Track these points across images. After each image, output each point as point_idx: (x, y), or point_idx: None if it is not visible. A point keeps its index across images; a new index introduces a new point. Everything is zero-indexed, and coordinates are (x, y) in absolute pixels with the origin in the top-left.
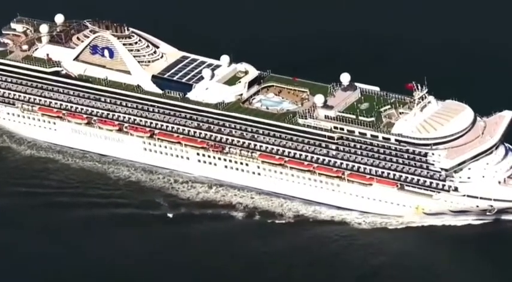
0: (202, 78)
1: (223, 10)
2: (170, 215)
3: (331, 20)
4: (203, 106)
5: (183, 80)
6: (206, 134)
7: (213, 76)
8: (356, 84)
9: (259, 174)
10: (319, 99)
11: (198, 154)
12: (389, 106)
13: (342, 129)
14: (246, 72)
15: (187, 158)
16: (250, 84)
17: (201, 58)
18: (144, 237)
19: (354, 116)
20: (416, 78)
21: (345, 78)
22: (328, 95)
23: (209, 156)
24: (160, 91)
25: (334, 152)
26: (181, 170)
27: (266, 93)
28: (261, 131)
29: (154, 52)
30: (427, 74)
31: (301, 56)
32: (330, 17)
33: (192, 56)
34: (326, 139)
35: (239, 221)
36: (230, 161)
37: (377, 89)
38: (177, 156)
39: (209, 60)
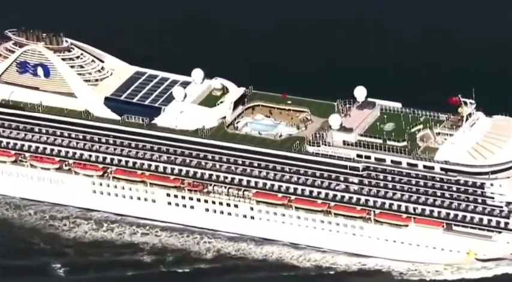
0: (170, 99)
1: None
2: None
3: (322, 13)
4: (177, 134)
5: (146, 102)
6: (181, 170)
7: (185, 96)
8: (372, 100)
9: (252, 217)
10: (335, 120)
11: (168, 195)
12: (421, 126)
13: (369, 157)
14: (224, 90)
15: (153, 201)
16: (235, 104)
17: (161, 73)
18: None
19: (380, 140)
20: (444, 89)
21: (360, 93)
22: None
23: (184, 198)
24: (117, 117)
25: (357, 187)
26: (144, 216)
27: (252, 114)
28: (256, 164)
29: (102, 68)
30: (456, 82)
31: (290, 66)
32: (320, 10)
33: (149, 72)
34: (347, 171)
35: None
36: (213, 202)
37: (398, 105)
38: (139, 198)
39: (173, 76)
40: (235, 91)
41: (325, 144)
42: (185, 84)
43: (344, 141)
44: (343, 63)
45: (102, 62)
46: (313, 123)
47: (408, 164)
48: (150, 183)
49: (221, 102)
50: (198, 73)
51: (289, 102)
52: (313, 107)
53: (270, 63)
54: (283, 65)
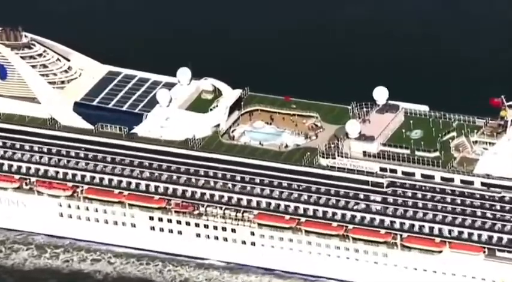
0: (152, 103)
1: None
2: None
3: (330, 7)
4: (162, 145)
5: (124, 108)
6: (167, 188)
7: (170, 100)
8: (394, 102)
9: (253, 244)
10: (353, 127)
11: (151, 219)
12: (455, 133)
13: (394, 171)
14: (216, 93)
15: (133, 226)
16: (230, 110)
17: (139, 73)
18: None
19: (408, 151)
20: (480, 89)
21: (381, 94)
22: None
23: (170, 221)
24: (89, 126)
25: (380, 206)
26: (122, 244)
27: (251, 121)
28: (258, 180)
29: (69, 68)
30: (494, 82)
31: (291, 64)
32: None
33: (125, 71)
34: (368, 187)
35: None
36: (206, 226)
37: (425, 108)
38: (116, 223)
39: (154, 77)
40: (230, 94)
41: (342, 156)
42: (169, 86)
43: (364, 152)
44: (356, 61)
45: (68, 60)
46: (324, 131)
47: (442, 178)
48: (130, 205)
49: (215, 106)
50: (184, 73)
51: (293, 106)
52: (323, 112)
53: (268, 61)
54: (284, 62)
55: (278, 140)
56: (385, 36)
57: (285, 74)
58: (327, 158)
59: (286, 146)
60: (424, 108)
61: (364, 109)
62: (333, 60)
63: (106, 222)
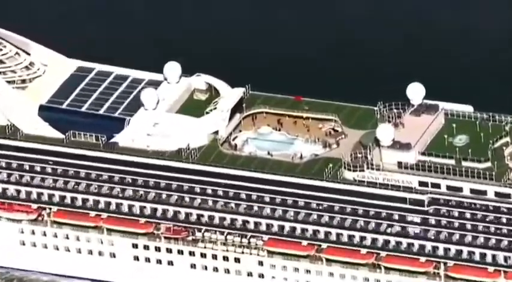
0: (135, 106)
1: None
2: None
3: None
4: (149, 157)
5: (101, 112)
6: (155, 209)
7: (158, 102)
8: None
9: (262, 276)
10: (385, 132)
11: (135, 246)
12: (508, 138)
13: (437, 185)
14: (211, 92)
15: (113, 255)
16: (232, 112)
17: (115, 69)
18: None
19: (452, 161)
20: None
21: (416, 92)
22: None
23: (159, 250)
24: (58, 134)
25: (419, 229)
26: (98, 278)
27: (255, 126)
28: (268, 198)
29: (31, 64)
30: None
31: (300, 56)
32: None
33: (98, 67)
34: (405, 206)
35: None
36: (203, 255)
37: (469, 108)
38: (91, 252)
39: (134, 73)
40: (230, 93)
41: (372, 168)
42: (154, 85)
43: (399, 162)
44: (382, 53)
45: (29, 54)
46: (346, 137)
47: (496, 193)
48: (109, 230)
49: (212, 109)
50: (172, 68)
51: (306, 107)
52: (343, 114)
53: (273, 54)
54: (292, 56)
55: (290, 149)
56: (417, 24)
57: (294, 70)
58: (353, 170)
59: (301, 157)
60: (467, 108)
61: (395, 110)
62: (352, 51)
63: (79, 251)
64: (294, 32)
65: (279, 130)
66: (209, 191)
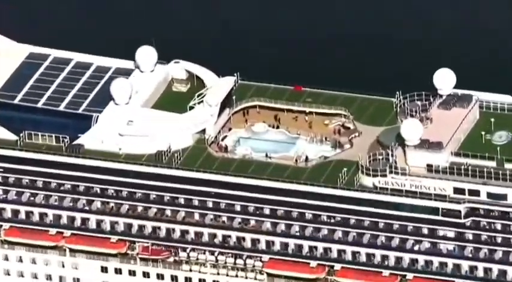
0: (104, 100)
1: None
2: None
3: None
4: (122, 162)
5: (62, 108)
6: (130, 225)
7: (131, 95)
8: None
9: None
10: (412, 128)
11: (104, 270)
12: None
13: (476, 193)
14: (193, 82)
15: (77, 281)
16: (221, 107)
17: (75, 56)
18: None
19: (493, 163)
20: None
21: (446, 80)
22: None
23: (133, 274)
24: (11, 135)
25: (454, 246)
26: None
27: (246, 123)
28: (267, 210)
29: None
30: None
31: (300, 39)
32: None
33: (54, 53)
34: (437, 218)
35: None
36: (188, 280)
37: (509, 99)
38: (50, 278)
39: (98, 60)
40: (218, 83)
41: (395, 173)
42: (123, 74)
43: (429, 165)
44: (399, 34)
45: None
46: (361, 135)
47: None
48: (72, 250)
49: (198, 103)
50: (146, 54)
51: (308, 99)
52: (355, 107)
53: (265, 34)
54: (288, 36)
55: (292, 151)
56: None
57: (292, 54)
58: (373, 175)
59: (307, 159)
60: (507, 99)
61: (418, 102)
62: (362, 32)
63: (35, 277)
64: (292, 10)
65: (277, 127)
66: (195, 202)
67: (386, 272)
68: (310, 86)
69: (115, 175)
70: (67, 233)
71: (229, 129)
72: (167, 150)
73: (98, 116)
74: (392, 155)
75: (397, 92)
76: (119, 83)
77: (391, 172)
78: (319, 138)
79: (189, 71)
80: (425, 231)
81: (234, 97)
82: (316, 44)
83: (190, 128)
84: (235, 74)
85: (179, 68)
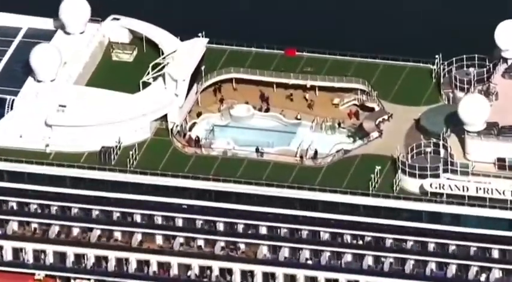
0: (18, 75)
1: None
2: None
3: None
4: (52, 164)
5: None
6: (64, 255)
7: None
8: None
9: None
10: (474, 108)
11: None
12: None
13: None
14: (141, 47)
15: None
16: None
17: None
18: None
19: None
20: None
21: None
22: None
23: None
24: None
25: None
26: None
27: (222, 104)
28: (264, 229)
29: None
30: None
31: None
32: None
33: None
34: None
35: None
36: None
37: None
38: None
39: (3, 18)
40: (181, 49)
41: (453, 172)
42: (42, 38)
43: (501, 160)
44: None
45: None
46: (391, 119)
47: None
48: None
49: (155, 76)
50: (74, 9)
51: (308, 68)
52: (376, 78)
53: None
54: None
55: (293, 143)
56: None
57: (281, 4)
58: (419, 176)
59: (316, 155)
60: None
61: (471, 69)
62: None
63: None
64: None
65: (266, 110)
66: (159, 220)
67: None
68: (308, 49)
69: (40, 183)
70: None
71: (200, 114)
72: (115, 147)
73: (12, 100)
74: (445, 147)
75: (437, 56)
76: (41, 51)
77: (445, 171)
78: (329, 124)
79: (134, 31)
80: (495, 254)
81: (203, 68)
82: None
83: (147, 114)
84: (199, 34)
85: (119, 28)
